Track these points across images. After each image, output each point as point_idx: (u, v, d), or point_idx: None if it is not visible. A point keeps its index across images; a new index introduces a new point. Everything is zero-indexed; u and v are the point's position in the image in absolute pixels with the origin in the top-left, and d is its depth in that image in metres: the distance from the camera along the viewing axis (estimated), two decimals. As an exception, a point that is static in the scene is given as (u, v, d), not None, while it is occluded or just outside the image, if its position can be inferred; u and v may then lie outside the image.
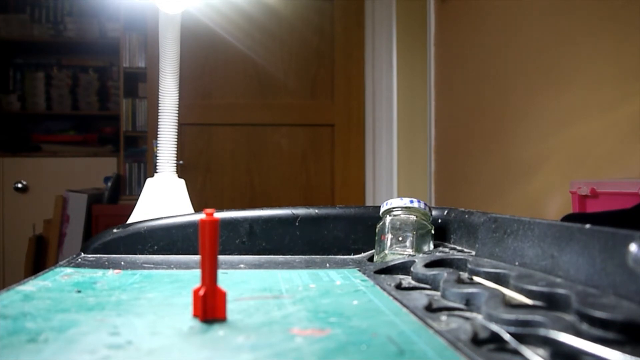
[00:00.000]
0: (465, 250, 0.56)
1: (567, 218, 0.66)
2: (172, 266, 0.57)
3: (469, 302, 0.36)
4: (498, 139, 1.42)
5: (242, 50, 2.55)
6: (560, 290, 0.32)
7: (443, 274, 0.42)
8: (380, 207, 0.63)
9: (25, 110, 3.22)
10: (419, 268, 0.46)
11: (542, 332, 0.27)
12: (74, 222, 2.65)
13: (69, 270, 0.53)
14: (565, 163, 1.12)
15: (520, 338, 0.28)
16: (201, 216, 0.33)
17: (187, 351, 0.28)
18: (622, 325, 0.26)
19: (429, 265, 0.47)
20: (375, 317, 0.34)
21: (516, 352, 0.27)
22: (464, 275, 0.43)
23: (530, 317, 0.29)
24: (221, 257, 0.64)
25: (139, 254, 0.64)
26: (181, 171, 0.87)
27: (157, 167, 0.82)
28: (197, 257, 0.49)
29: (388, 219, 0.59)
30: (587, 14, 1.05)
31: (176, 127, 0.83)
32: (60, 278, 0.48)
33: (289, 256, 0.65)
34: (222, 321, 0.33)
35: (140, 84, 3.02)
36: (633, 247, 0.30)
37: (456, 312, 0.35)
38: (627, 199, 0.74)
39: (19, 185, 3.01)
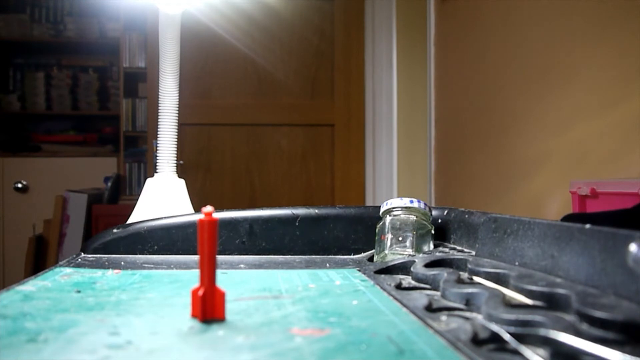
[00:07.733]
0: (465, 250, 0.56)
1: (567, 218, 0.66)
2: (172, 266, 0.57)
3: (469, 302, 0.36)
4: (498, 139, 1.42)
5: (242, 50, 2.55)
6: (560, 290, 0.32)
7: (443, 274, 0.42)
8: (380, 207, 0.63)
9: (25, 110, 3.22)
10: (419, 268, 0.46)
11: (542, 332, 0.27)
12: (74, 222, 2.65)
13: (68, 270, 0.53)
14: (565, 163, 1.12)
15: (520, 338, 0.28)
16: (201, 216, 0.33)
17: (187, 351, 0.28)
18: (622, 325, 0.26)
19: (429, 265, 0.47)
20: (375, 317, 0.34)
21: (516, 352, 0.26)
22: (464, 275, 0.43)
23: (530, 317, 0.29)
24: (221, 257, 0.64)
25: (139, 254, 0.64)
26: (181, 171, 0.87)
27: (157, 167, 0.82)
28: (197, 257, 0.49)
29: (388, 219, 0.59)
30: (587, 13, 1.05)
31: (176, 127, 0.83)
32: (60, 278, 0.48)
33: (289, 256, 0.65)
34: (222, 321, 0.33)
35: (140, 84, 3.02)
36: (633, 247, 0.30)
37: (456, 312, 0.35)
38: (627, 199, 0.74)
39: (19, 185, 3.00)
